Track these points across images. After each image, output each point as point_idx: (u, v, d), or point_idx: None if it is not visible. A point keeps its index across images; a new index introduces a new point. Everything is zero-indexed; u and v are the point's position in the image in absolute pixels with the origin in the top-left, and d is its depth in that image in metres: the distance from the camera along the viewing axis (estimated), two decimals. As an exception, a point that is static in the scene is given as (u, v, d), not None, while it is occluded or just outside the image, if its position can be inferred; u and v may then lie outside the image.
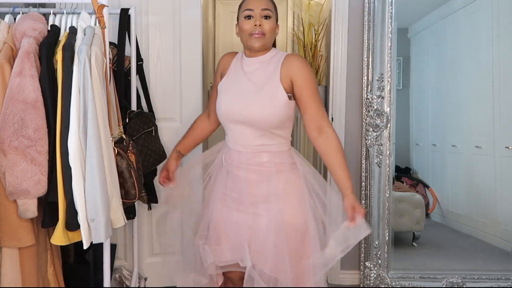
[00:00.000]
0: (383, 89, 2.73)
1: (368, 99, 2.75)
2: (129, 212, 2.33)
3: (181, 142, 2.07)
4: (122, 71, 2.36)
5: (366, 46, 2.74)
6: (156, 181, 2.59)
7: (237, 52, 1.95)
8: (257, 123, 1.77)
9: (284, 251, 1.74)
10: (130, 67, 2.45)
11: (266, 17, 1.80)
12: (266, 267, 1.74)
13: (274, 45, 1.93)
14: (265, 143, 1.80)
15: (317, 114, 1.79)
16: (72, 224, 1.68)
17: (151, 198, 2.53)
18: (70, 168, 1.65)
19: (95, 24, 1.89)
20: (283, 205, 1.77)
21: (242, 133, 1.82)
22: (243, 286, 1.77)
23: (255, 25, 1.78)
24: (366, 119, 2.76)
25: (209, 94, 2.06)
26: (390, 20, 2.71)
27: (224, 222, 1.85)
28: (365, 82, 2.75)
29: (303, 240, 1.78)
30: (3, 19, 1.89)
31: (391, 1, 2.70)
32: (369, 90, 2.75)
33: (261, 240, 1.76)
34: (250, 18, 1.80)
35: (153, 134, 2.45)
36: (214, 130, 2.09)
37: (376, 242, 2.77)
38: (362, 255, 2.80)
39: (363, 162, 2.78)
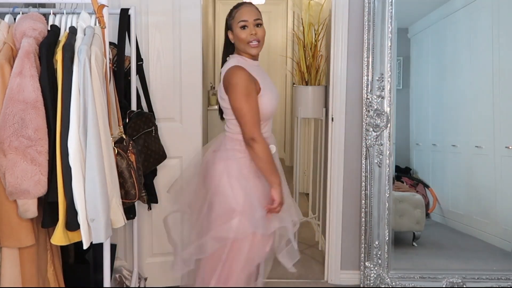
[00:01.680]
0: (383, 89, 2.73)
1: (368, 99, 2.75)
2: (129, 212, 2.33)
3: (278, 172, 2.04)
4: (122, 71, 2.36)
5: (366, 46, 2.74)
6: (156, 181, 2.59)
7: (239, 65, 2.01)
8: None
9: None
10: (130, 67, 2.45)
11: (258, 25, 2.03)
12: None
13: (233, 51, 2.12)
14: None
15: None
16: (72, 224, 1.68)
17: (151, 198, 2.54)
18: (70, 168, 1.65)
19: (95, 24, 1.89)
20: None
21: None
22: None
23: (251, 34, 2.01)
24: (366, 119, 2.76)
25: (255, 107, 1.98)
26: (390, 20, 2.71)
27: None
28: (365, 82, 2.75)
29: None
30: (3, 19, 1.89)
31: (391, 1, 2.70)
32: (369, 90, 2.75)
33: None
34: (245, 28, 2.02)
35: (153, 134, 2.45)
36: None
37: (376, 242, 2.77)
38: (362, 255, 2.80)
39: (363, 162, 2.78)
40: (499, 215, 3.11)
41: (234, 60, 2.05)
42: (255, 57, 2.09)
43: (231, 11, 2.09)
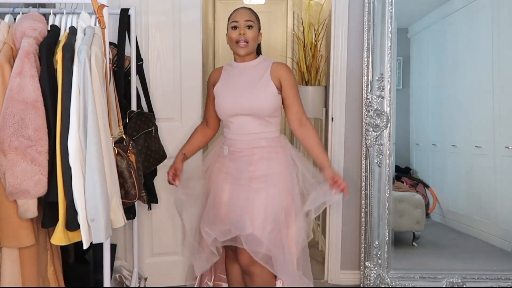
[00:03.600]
0: (383, 89, 2.73)
1: (368, 99, 2.75)
2: (129, 212, 2.33)
3: (185, 146, 2.34)
4: (122, 71, 2.36)
5: (366, 46, 2.74)
6: (156, 181, 2.59)
7: (222, 66, 2.27)
8: (254, 111, 2.09)
9: (277, 223, 2.05)
10: (130, 67, 2.45)
11: (249, 27, 2.13)
12: (264, 236, 2.00)
13: (260, 53, 2.24)
14: (263, 130, 2.12)
15: (299, 110, 2.17)
16: (72, 224, 1.68)
17: (151, 198, 2.54)
18: (70, 168, 1.65)
19: (95, 24, 1.89)
20: (276, 181, 2.09)
21: (243, 124, 2.12)
22: (243, 248, 2.03)
23: (240, 34, 2.11)
24: (366, 119, 2.76)
25: (205, 105, 2.33)
26: (390, 20, 2.71)
27: (225, 194, 2.12)
28: (365, 82, 2.75)
29: (290, 212, 2.10)
30: (3, 19, 1.89)
31: (391, 1, 2.70)
32: (369, 90, 2.75)
33: (260, 213, 2.05)
34: (235, 29, 2.13)
35: (153, 134, 2.45)
36: (213, 135, 2.37)
37: (376, 242, 2.77)
38: (362, 255, 2.80)
39: (363, 162, 2.78)
40: (499, 215, 3.11)
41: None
42: (243, 57, 2.16)
43: (229, 16, 2.20)
